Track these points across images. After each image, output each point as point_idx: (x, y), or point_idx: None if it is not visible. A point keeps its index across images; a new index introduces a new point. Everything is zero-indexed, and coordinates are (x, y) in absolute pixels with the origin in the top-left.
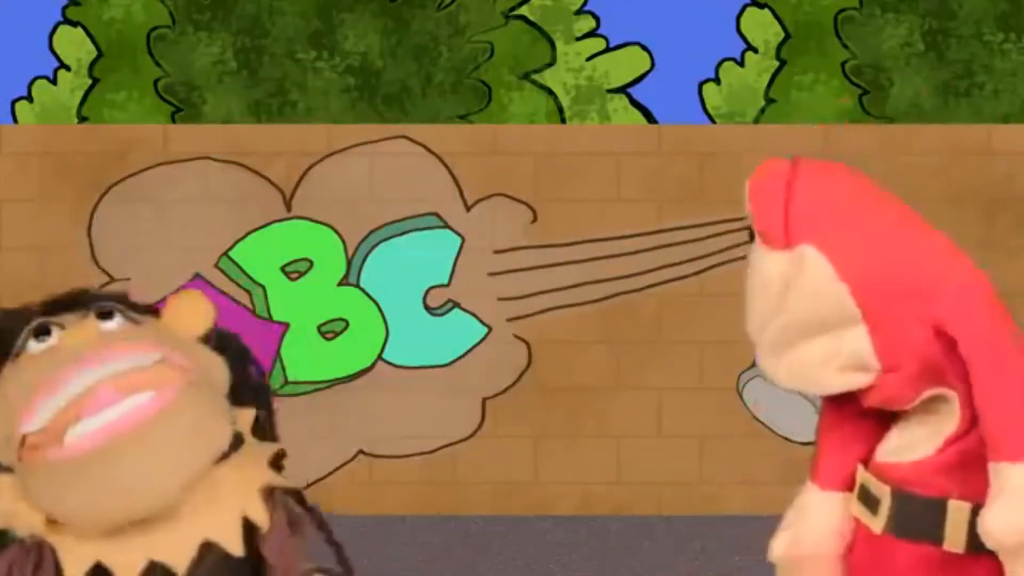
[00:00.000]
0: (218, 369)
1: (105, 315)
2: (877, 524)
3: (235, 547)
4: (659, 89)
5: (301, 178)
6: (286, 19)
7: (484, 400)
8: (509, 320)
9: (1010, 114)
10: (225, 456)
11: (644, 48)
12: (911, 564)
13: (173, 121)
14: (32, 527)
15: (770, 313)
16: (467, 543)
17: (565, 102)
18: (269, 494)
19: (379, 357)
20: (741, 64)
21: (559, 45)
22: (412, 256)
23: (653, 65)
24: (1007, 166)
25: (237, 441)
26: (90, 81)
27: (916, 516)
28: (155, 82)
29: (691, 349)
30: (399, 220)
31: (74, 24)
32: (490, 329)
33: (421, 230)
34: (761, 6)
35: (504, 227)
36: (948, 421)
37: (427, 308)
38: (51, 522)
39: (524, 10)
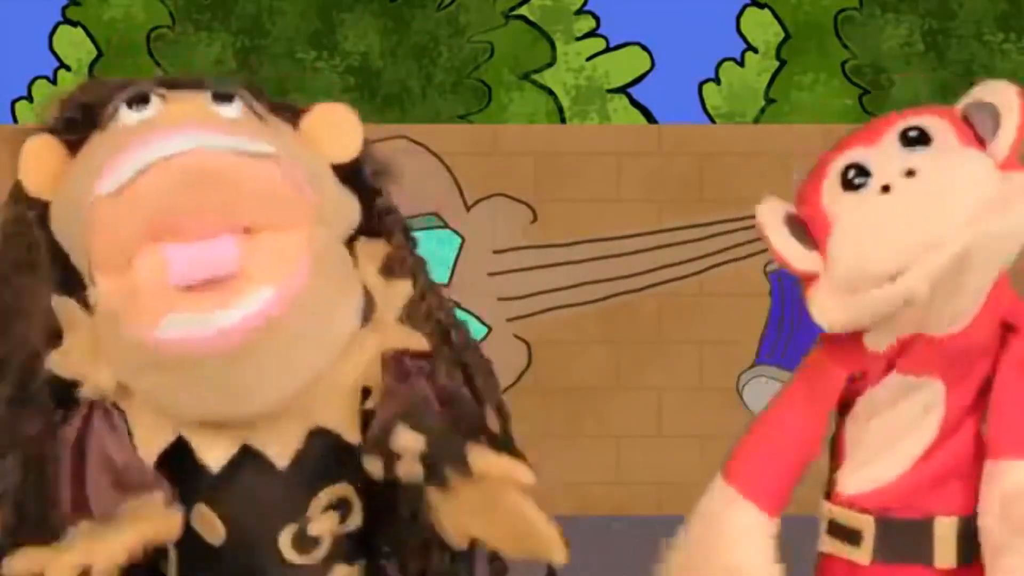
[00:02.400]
0: (348, 204)
1: (223, 97)
2: (863, 556)
3: (351, 431)
4: (659, 89)
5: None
6: (286, 19)
7: None
8: (509, 320)
9: None
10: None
11: (644, 48)
12: None
13: None
14: (102, 387)
15: (980, 211)
16: None
17: (565, 102)
18: (391, 360)
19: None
20: (741, 64)
21: (559, 45)
22: None
23: (653, 65)
24: None
25: (366, 299)
26: None
27: (904, 541)
28: None
29: (691, 349)
30: None
31: (74, 24)
32: (490, 329)
33: (421, 230)
34: (761, 6)
35: (504, 227)
36: (921, 426)
37: None
38: (121, 387)
39: (524, 10)
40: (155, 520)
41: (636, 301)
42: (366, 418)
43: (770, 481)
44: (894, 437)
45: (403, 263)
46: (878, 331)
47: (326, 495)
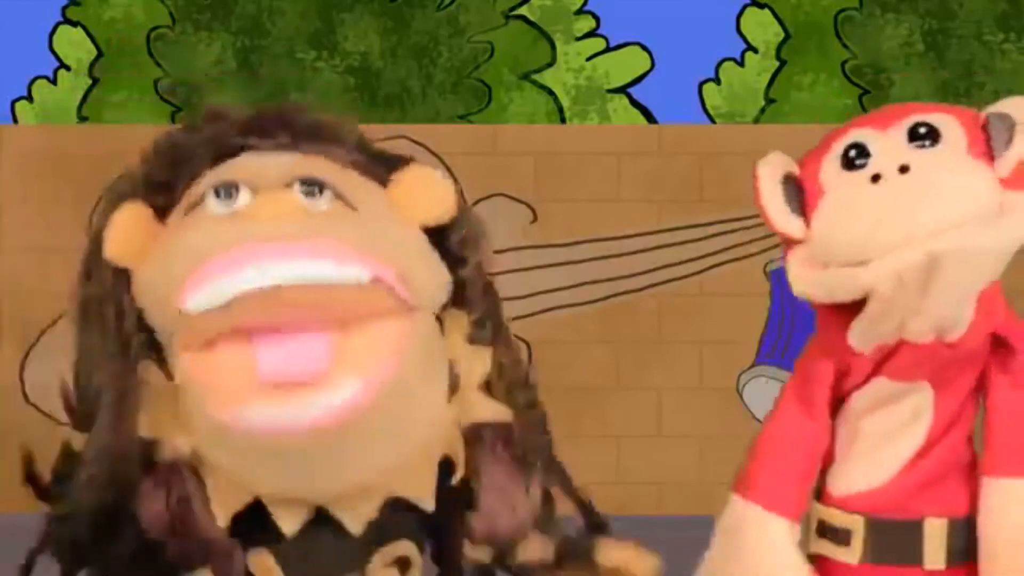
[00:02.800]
0: (440, 279)
1: (311, 187)
2: (852, 556)
3: (427, 503)
4: (659, 89)
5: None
6: (286, 19)
7: None
8: (509, 320)
9: None
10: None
11: (644, 48)
12: None
13: (173, 121)
14: (179, 451)
15: (965, 222)
16: None
17: (565, 102)
18: (473, 432)
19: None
20: (741, 64)
21: (559, 45)
22: None
23: (653, 65)
24: None
25: (453, 376)
26: (90, 81)
27: (894, 541)
28: (155, 82)
29: (691, 349)
30: None
31: (74, 24)
32: None
33: None
34: (761, 6)
35: (504, 227)
36: (909, 431)
37: None
38: (196, 454)
39: (524, 10)
40: None
41: (636, 301)
42: (441, 484)
43: (788, 489)
44: (884, 440)
45: (485, 333)
46: (861, 332)
47: (389, 552)
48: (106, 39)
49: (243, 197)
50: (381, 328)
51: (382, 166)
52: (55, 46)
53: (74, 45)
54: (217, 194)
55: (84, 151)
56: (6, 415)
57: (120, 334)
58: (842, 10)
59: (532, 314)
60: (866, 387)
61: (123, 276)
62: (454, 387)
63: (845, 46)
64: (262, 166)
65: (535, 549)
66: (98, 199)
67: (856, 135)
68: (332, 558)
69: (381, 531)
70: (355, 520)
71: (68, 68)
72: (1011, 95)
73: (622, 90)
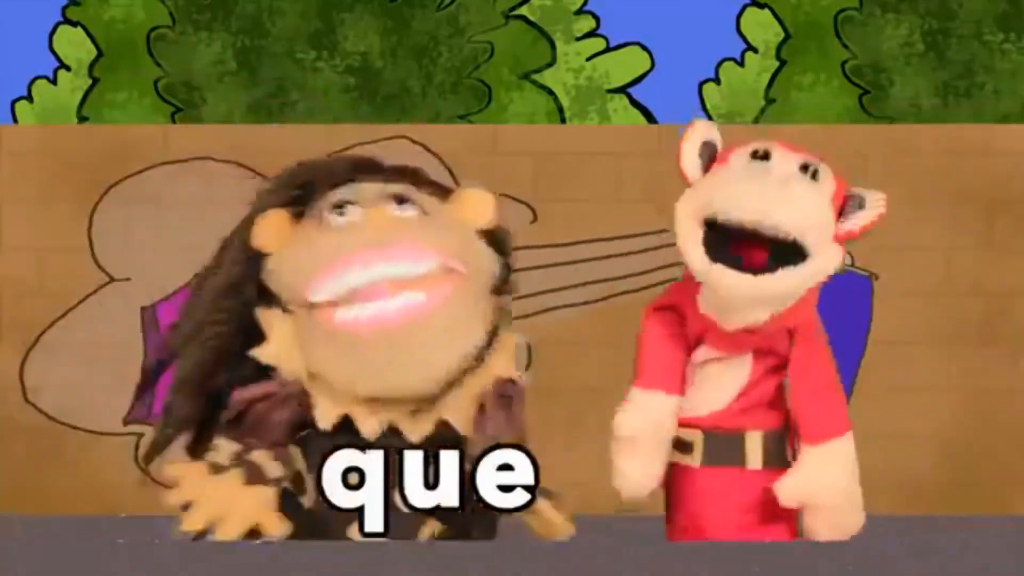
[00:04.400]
0: (489, 260)
1: (401, 201)
2: (694, 460)
3: (466, 429)
4: (659, 89)
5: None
6: (286, 19)
7: None
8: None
9: (1010, 114)
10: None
11: (644, 48)
12: (724, 484)
13: (173, 121)
14: (296, 373)
15: (822, 225)
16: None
17: (565, 102)
18: (499, 385)
19: None
20: (741, 64)
21: (559, 45)
22: None
23: (653, 65)
24: (1007, 166)
25: (493, 333)
26: (90, 81)
27: (724, 448)
28: (155, 82)
29: None
30: None
31: (74, 24)
32: None
33: None
34: (761, 6)
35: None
36: (736, 379)
37: None
38: (311, 374)
39: (524, 10)
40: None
41: (636, 301)
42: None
43: (672, 374)
44: (716, 382)
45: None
46: (704, 299)
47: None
48: (106, 39)
49: (353, 212)
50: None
51: (442, 190)
52: (55, 46)
53: (74, 45)
54: (336, 210)
55: (84, 151)
56: (6, 415)
57: (241, 283)
58: (842, 10)
59: (532, 314)
60: (700, 348)
61: (260, 256)
62: (491, 340)
63: (845, 46)
64: (366, 189)
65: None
66: (99, 199)
67: (769, 145)
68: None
69: (433, 446)
70: (415, 433)
71: (68, 68)
72: (1011, 95)
73: (622, 90)
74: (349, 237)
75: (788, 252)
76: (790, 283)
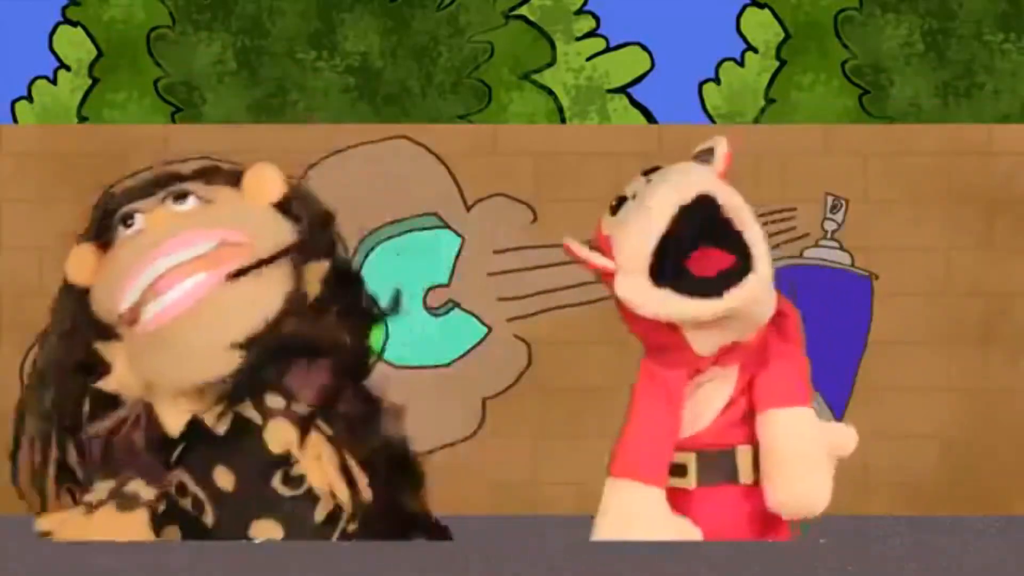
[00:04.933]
0: (284, 233)
1: (180, 197)
2: (689, 483)
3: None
4: (659, 89)
5: (301, 178)
6: (286, 19)
7: (484, 400)
8: (509, 320)
9: (1010, 114)
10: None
11: (644, 48)
12: (719, 502)
13: (173, 121)
14: (134, 390)
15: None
16: (465, 542)
17: (565, 102)
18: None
19: (379, 357)
20: (741, 64)
21: (559, 45)
22: (412, 256)
23: (653, 65)
24: (1007, 166)
25: (301, 299)
26: (90, 81)
27: (716, 466)
28: (155, 82)
29: None
30: (399, 220)
31: (74, 24)
32: (490, 329)
33: (421, 230)
34: (761, 6)
35: (504, 227)
36: (721, 392)
37: (427, 308)
38: (150, 387)
39: (524, 10)
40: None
41: None
42: None
43: (662, 467)
44: (703, 399)
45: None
46: (704, 340)
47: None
48: (106, 39)
49: (138, 220)
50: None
51: (235, 178)
52: (55, 46)
53: (74, 45)
54: (123, 224)
55: (84, 151)
56: (6, 415)
57: (75, 321)
58: (842, 10)
59: (532, 314)
60: (704, 374)
61: (79, 290)
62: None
63: (845, 46)
64: (146, 199)
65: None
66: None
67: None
68: (259, 452)
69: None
70: (218, 425)
71: (68, 68)
72: (1011, 95)
73: (622, 90)
74: (136, 243)
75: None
76: (749, 291)
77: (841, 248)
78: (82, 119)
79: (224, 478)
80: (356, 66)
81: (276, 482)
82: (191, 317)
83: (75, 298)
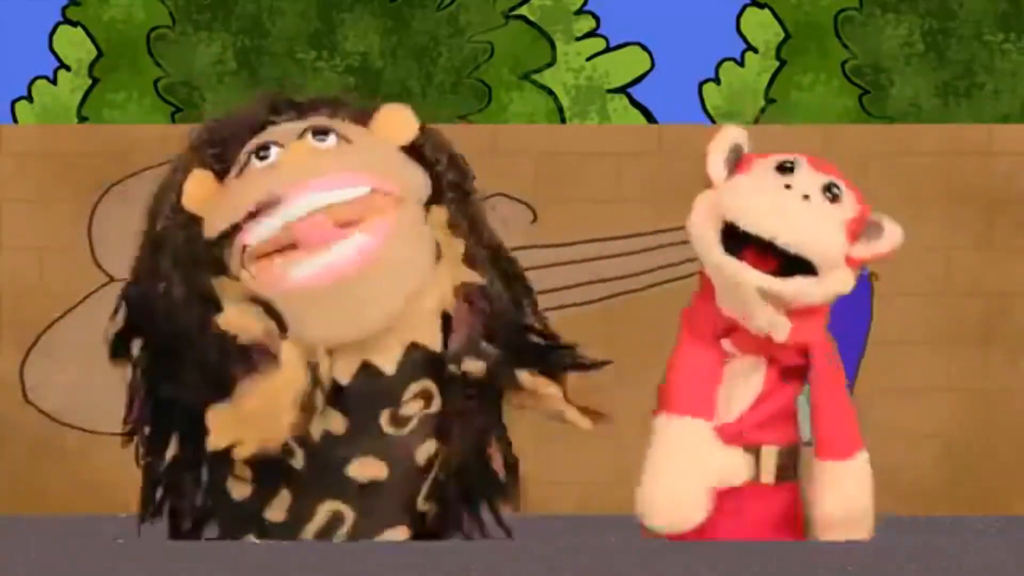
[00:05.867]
0: (418, 179)
1: (320, 133)
2: None
3: (436, 344)
4: (659, 89)
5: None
6: (286, 19)
7: None
8: None
9: (1010, 114)
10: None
11: (644, 48)
12: (738, 499)
13: (173, 121)
14: (252, 333)
15: (831, 247)
16: (465, 542)
17: (565, 102)
18: (459, 290)
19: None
20: (741, 64)
21: (559, 45)
22: None
23: (653, 65)
24: (1007, 166)
25: (437, 250)
26: (90, 81)
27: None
28: (155, 82)
29: None
30: None
31: (74, 24)
32: None
33: None
34: (761, 6)
35: (504, 227)
36: (749, 387)
37: None
38: (268, 331)
39: (524, 10)
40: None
41: (636, 301)
42: (447, 334)
43: (708, 400)
44: (731, 392)
45: (461, 220)
46: (721, 299)
47: (415, 388)
48: (106, 39)
49: (274, 152)
50: (379, 214)
51: (363, 114)
52: (55, 46)
53: (74, 45)
54: (257, 156)
55: (84, 151)
56: (6, 415)
57: (191, 254)
58: (842, 10)
59: None
60: (724, 341)
61: (196, 219)
62: (438, 256)
63: (845, 46)
64: (283, 128)
65: (472, 366)
66: (99, 199)
67: (796, 158)
68: (376, 398)
69: (408, 371)
70: (388, 362)
71: (68, 68)
72: (1011, 95)
73: (622, 90)
74: (274, 175)
75: (798, 267)
76: (798, 288)
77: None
78: (82, 119)
79: (336, 422)
80: (356, 66)
81: (384, 420)
82: (352, 282)
83: (182, 226)
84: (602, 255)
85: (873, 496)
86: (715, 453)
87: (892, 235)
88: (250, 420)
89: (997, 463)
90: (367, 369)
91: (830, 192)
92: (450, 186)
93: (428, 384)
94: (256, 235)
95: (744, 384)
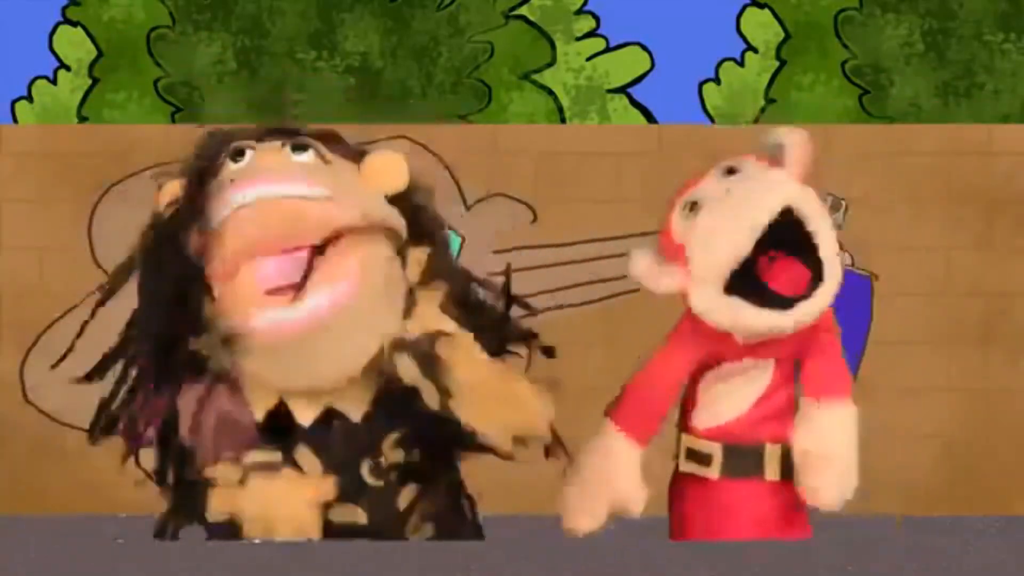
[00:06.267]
0: (394, 220)
1: (299, 148)
2: (712, 472)
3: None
4: (659, 89)
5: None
6: (286, 19)
7: None
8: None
9: (1010, 114)
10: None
11: (644, 48)
12: (741, 496)
13: (173, 121)
14: (224, 364)
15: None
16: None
17: (565, 102)
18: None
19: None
20: (741, 64)
21: (559, 45)
22: None
23: (653, 65)
24: (1007, 166)
25: (410, 298)
26: (90, 81)
27: (743, 461)
28: (155, 82)
29: None
30: None
31: (74, 24)
32: None
33: None
34: (761, 6)
35: (504, 227)
36: (755, 385)
37: None
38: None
39: (524, 10)
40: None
41: (636, 301)
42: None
43: (651, 425)
44: (735, 391)
45: (438, 267)
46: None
47: (394, 436)
48: (106, 39)
49: (248, 155)
50: (347, 254)
51: (355, 153)
52: (55, 46)
53: (74, 45)
54: (232, 159)
55: (84, 151)
56: (6, 415)
57: (176, 270)
58: (842, 10)
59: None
60: (739, 364)
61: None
62: (410, 307)
63: (845, 46)
64: (266, 141)
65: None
66: (99, 199)
67: (736, 162)
68: (352, 444)
69: (382, 419)
70: (354, 410)
71: (68, 68)
72: (1011, 95)
73: (622, 90)
74: (242, 172)
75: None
76: (821, 303)
77: (841, 248)
78: (82, 119)
79: (308, 461)
80: (356, 66)
81: (365, 471)
82: (320, 335)
83: (164, 237)
84: (602, 255)
85: (856, 448)
86: (624, 479)
87: (790, 144)
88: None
89: (997, 463)
90: (332, 414)
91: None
92: (428, 230)
93: (405, 430)
94: (217, 217)
95: (749, 383)
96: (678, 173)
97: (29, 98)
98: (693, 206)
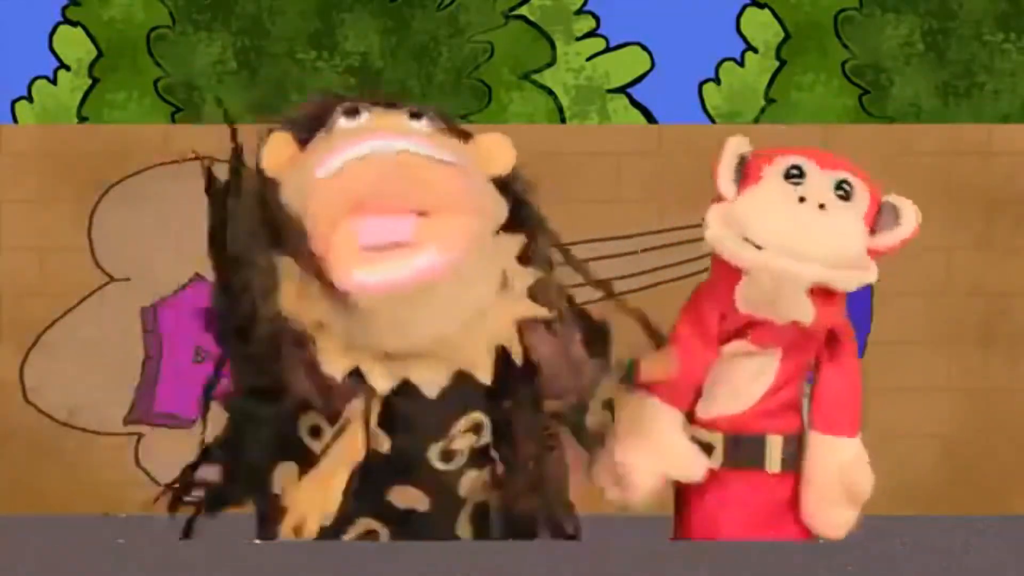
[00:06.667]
0: (498, 204)
1: (416, 115)
2: (715, 462)
3: (486, 376)
4: (659, 89)
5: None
6: (286, 19)
7: None
8: None
9: (1010, 114)
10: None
11: (644, 48)
12: (742, 486)
13: (173, 121)
14: (305, 324)
15: (857, 251)
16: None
17: (565, 102)
18: (523, 325)
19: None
20: (741, 64)
21: (559, 45)
22: None
23: (653, 65)
24: (1007, 166)
25: (503, 278)
26: (90, 81)
27: (745, 451)
28: (155, 82)
29: None
30: None
31: (74, 24)
32: None
33: None
34: (761, 6)
35: None
36: (761, 379)
37: None
38: (317, 323)
39: (524, 10)
40: (353, 446)
41: (636, 301)
42: (500, 365)
43: (687, 391)
44: (741, 383)
45: (535, 255)
46: (743, 300)
47: (465, 421)
48: (106, 39)
49: (364, 115)
50: (457, 220)
51: (461, 133)
52: (55, 46)
53: (74, 45)
54: (346, 115)
55: (84, 151)
56: (6, 415)
57: (265, 223)
58: (842, 10)
59: None
60: (733, 344)
61: (272, 182)
62: (503, 285)
63: (845, 46)
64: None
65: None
66: (99, 199)
67: (801, 160)
68: (422, 425)
69: (456, 402)
70: (431, 385)
71: (68, 68)
72: (1011, 95)
73: (622, 90)
74: (359, 130)
75: None
76: (849, 278)
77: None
78: (82, 119)
79: (380, 440)
80: (356, 66)
81: (433, 454)
82: (419, 296)
83: (258, 192)
84: (602, 255)
85: (862, 482)
86: (676, 443)
87: (909, 217)
88: (310, 491)
89: (997, 463)
90: (407, 387)
91: (841, 190)
92: (528, 220)
93: (479, 417)
94: (326, 168)
95: (755, 378)
96: (678, 173)
97: (29, 98)
98: (799, 175)
